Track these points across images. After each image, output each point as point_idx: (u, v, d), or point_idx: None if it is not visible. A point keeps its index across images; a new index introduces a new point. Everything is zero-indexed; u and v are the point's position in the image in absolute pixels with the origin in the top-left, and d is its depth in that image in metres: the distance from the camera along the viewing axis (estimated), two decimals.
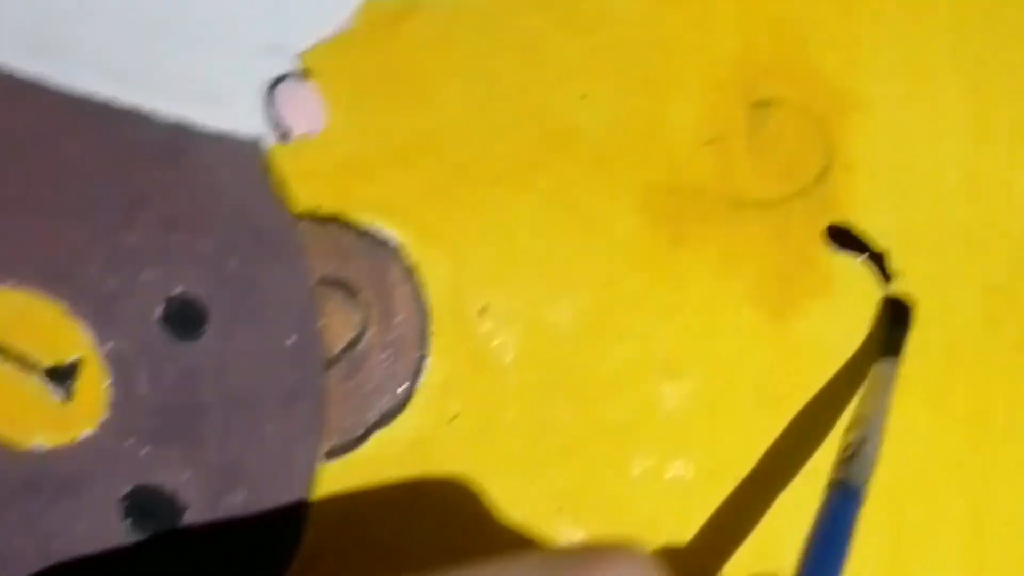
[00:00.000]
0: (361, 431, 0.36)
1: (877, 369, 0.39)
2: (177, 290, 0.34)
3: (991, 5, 0.45)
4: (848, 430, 0.37)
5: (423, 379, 0.37)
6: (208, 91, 0.38)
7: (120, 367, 0.34)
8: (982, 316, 0.42)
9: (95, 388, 0.34)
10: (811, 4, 0.43)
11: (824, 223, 0.42)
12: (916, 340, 0.41)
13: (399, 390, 0.37)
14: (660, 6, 0.42)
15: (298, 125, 0.38)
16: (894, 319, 0.41)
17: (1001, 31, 0.44)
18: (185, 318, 0.35)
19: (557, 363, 0.38)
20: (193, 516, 0.34)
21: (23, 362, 0.33)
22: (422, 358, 0.37)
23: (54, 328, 0.34)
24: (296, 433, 0.35)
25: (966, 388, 0.42)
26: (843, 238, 0.41)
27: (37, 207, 0.34)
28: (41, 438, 0.33)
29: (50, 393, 0.33)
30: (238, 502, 0.34)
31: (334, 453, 0.35)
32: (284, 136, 0.38)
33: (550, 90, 0.40)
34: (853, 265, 0.42)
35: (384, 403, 0.36)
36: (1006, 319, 0.42)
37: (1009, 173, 0.44)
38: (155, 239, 0.34)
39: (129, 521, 0.33)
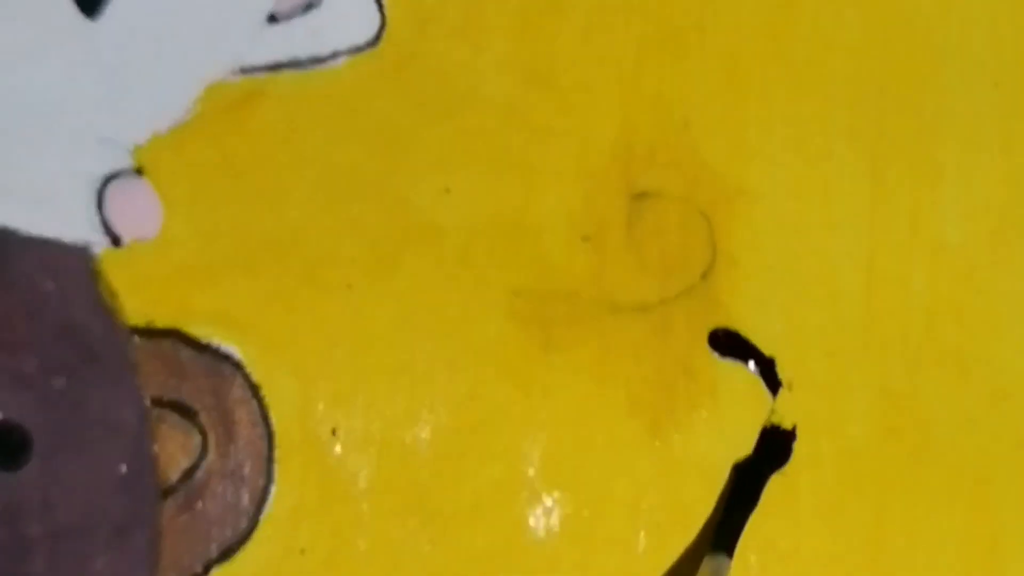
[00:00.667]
0: (200, 567, 0.46)
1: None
2: None
3: (891, 81, 0.58)
4: None
5: (268, 509, 0.48)
6: (30, 190, 0.48)
7: None
8: (879, 424, 0.55)
9: None
10: (694, 82, 0.55)
11: (708, 326, 0.54)
12: (808, 451, 0.54)
13: (241, 522, 0.47)
14: (530, 87, 0.54)
15: (130, 228, 0.49)
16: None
17: (902, 110, 0.58)
18: (6, 446, 0.45)
19: (415, 488, 0.49)
20: None
21: None
22: (267, 486, 0.48)
23: None
24: (128, 569, 0.45)
25: (861, 503, 0.55)
26: (728, 343, 0.54)
27: None
28: None
29: None
30: None
31: None
32: (115, 241, 0.48)
33: (409, 183, 0.52)
34: (739, 373, 0.54)
35: (225, 536, 0.47)
36: (904, 427, 0.56)
37: (908, 266, 0.57)
38: None
39: None
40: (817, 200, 0.54)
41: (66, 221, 0.47)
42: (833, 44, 0.55)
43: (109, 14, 0.49)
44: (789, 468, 0.52)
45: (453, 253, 0.50)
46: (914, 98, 0.56)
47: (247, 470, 0.46)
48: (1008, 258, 0.55)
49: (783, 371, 0.53)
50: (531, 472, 0.49)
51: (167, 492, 0.45)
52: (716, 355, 0.51)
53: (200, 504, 0.46)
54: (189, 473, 0.45)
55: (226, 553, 0.45)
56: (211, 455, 0.46)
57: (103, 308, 0.46)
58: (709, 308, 0.52)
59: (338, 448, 0.47)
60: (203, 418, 0.46)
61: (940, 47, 0.57)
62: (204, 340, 0.46)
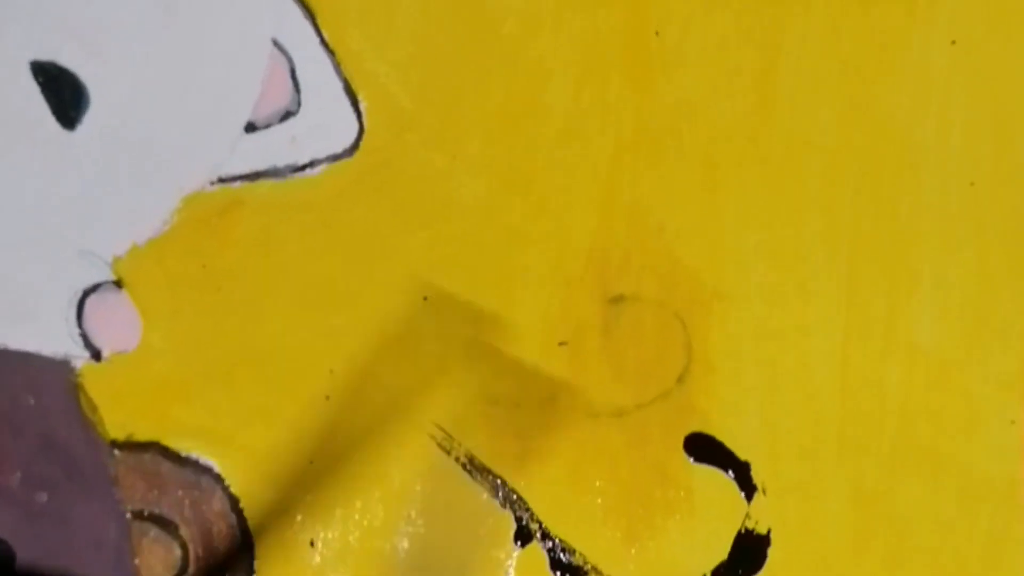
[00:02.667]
0: None
1: None
2: None
3: (867, 183, 0.64)
4: None
5: None
6: (10, 305, 0.54)
7: None
8: (854, 528, 0.61)
9: None
10: (670, 186, 0.61)
11: (684, 431, 0.60)
12: (783, 557, 0.60)
13: None
14: (507, 193, 0.60)
15: (110, 341, 0.54)
16: None
17: (878, 211, 0.64)
18: None
19: None
20: None
21: None
22: None
23: None
24: None
25: None
26: (703, 448, 0.60)
27: None
28: None
29: None
30: None
31: None
32: (95, 354, 0.54)
33: (388, 292, 0.57)
34: (715, 477, 0.60)
35: None
36: (878, 531, 0.61)
37: (883, 368, 0.63)
38: None
39: None
40: (793, 303, 0.59)
41: (46, 335, 0.52)
42: (809, 146, 0.61)
43: (86, 125, 0.54)
44: (764, 574, 0.57)
45: (432, 363, 0.55)
46: (890, 199, 0.61)
47: None
48: (982, 360, 0.61)
49: (758, 475, 0.58)
50: None
51: None
52: (691, 460, 0.57)
53: None
54: None
55: None
56: (192, 568, 0.51)
57: (84, 422, 0.51)
58: (685, 413, 0.58)
59: (317, 559, 0.52)
60: (183, 531, 0.51)
61: (917, 147, 0.62)
62: (184, 453, 0.52)
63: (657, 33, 0.58)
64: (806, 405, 0.59)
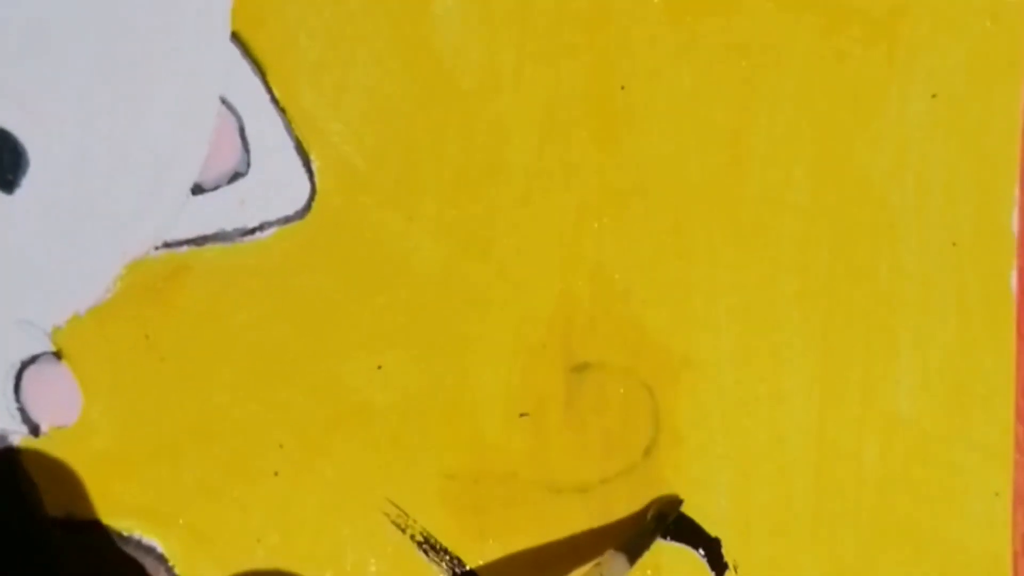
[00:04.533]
0: None
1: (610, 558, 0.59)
2: None
3: (843, 244, 0.67)
4: None
5: None
6: None
7: None
8: None
9: None
10: (636, 249, 0.64)
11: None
12: None
13: None
14: (464, 258, 0.62)
15: (49, 416, 0.56)
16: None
17: (854, 274, 0.66)
18: None
19: None
20: None
21: None
22: None
23: None
24: None
25: None
26: (671, 525, 0.62)
27: None
28: None
29: None
30: None
31: None
32: (33, 429, 0.56)
33: (340, 361, 0.60)
34: (683, 555, 0.63)
35: None
36: None
37: (860, 440, 0.65)
38: None
39: None
40: (765, 371, 0.62)
41: None
42: (782, 206, 0.63)
43: (25, 188, 0.56)
44: None
45: (384, 435, 0.58)
46: (867, 261, 0.64)
47: None
48: (964, 430, 0.63)
49: (729, 552, 0.61)
50: None
51: None
52: (659, 537, 0.59)
53: None
54: None
55: None
56: None
57: (22, 500, 0.53)
58: (651, 488, 0.61)
59: None
60: None
61: (895, 206, 0.65)
62: (126, 533, 0.54)
63: (623, 87, 0.60)
64: (779, 478, 0.61)
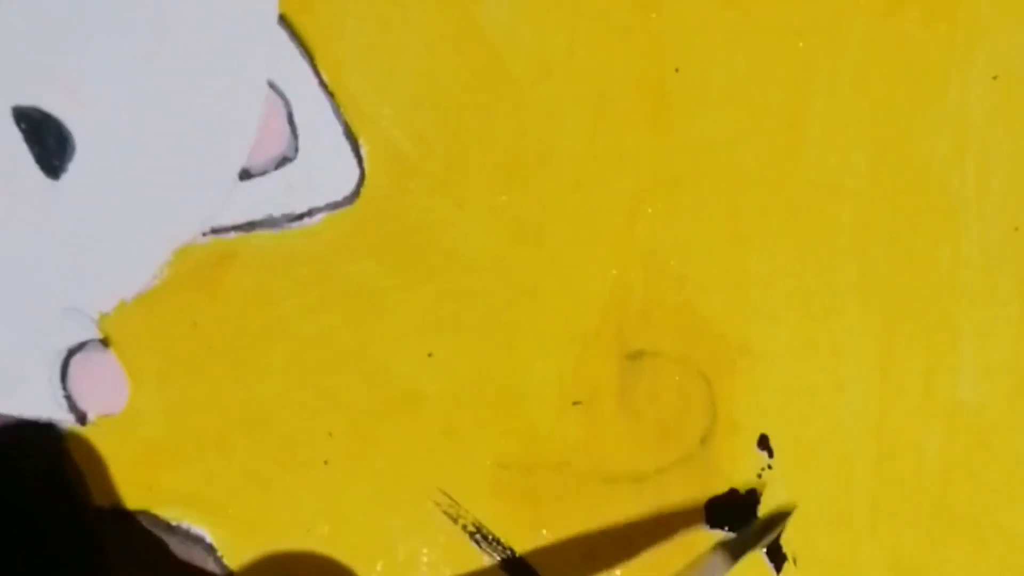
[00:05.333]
0: None
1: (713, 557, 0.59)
2: None
3: (903, 231, 0.66)
4: None
5: None
6: None
7: None
8: None
9: None
10: (691, 235, 0.63)
11: (707, 496, 0.62)
12: None
13: None
14: (515, 245, 0.62)
15: (96, 404, 0.56)
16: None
17: (915, 261, 0.66)
18: None
19: None
20: None
21: None
22: None
23: None
24: None
25: None
26: (728, 517, 0.62)
27: None
28: None
29: None
30: None
31: None
32: (81, 418, 0.56)
33: (390, 349, 0.60)
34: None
35: None
36: None
37: (921, 431, 0.65)
38: None
39: None
40: (824, 360, 0.61)
41: (29, 398, 0.54)
42: (840, 192, 0.63)
43: (71, 174, 0.56)
44: None
45: (435, 423, 0.58)
46: (928, 248, 0.63)
47: None
48: None
49: (788, 545, 0.60)
50: None
51: None
52: (715, 530, 0.59)
53: None
54: None
55: None
56: None
57: (70, 489, 0.53)
58: (707, 478, 0.60)
59: None
60: None
61: (956, 191, 0.64)
62: (174, 522, 0.54)
63: (677, 71, 0.60)
64: (839, 468, 0.61)
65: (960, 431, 0.61)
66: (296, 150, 0.57)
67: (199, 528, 0.51)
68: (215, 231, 0.55)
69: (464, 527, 0.58)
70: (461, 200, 0.59)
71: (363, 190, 0.58)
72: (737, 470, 0.61)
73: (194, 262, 0.54)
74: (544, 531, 0.57)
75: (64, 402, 0.51)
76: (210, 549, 0.51)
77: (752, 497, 0.59)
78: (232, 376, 0.53)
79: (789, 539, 0.60)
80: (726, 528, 0.60)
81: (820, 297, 0.61)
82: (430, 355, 0.57)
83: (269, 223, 0.56)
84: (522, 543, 0.56)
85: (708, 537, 0.60)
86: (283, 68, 0.57)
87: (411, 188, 0.58)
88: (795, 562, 0.60)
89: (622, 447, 0.59)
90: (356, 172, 0.58)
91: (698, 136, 0.60)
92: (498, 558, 0.57)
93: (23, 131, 0.54)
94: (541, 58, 0.59)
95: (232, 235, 0.56)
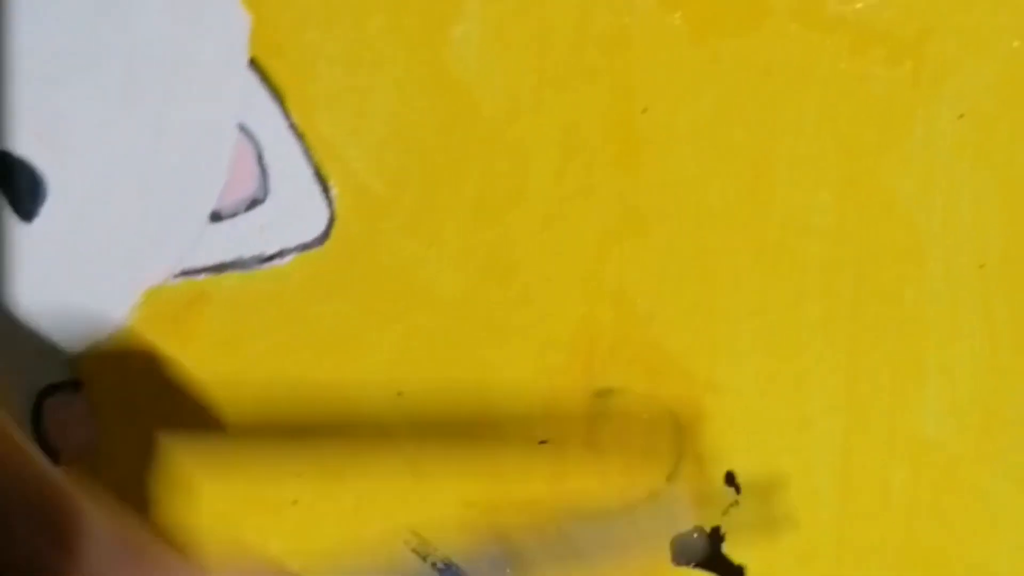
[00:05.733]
0: None
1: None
2: None
3: (869, 268, 0.67)
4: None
5: None
6: None
7: None
8: None
9: None
10: (659, 273, 0.65)
11: (672, 534, 0.63)
12: None
13: None
14: (484, 285, 0.63)
15: (68, 445, 0.58)
16: None
17: (881, 298, 0.67)
18: None
19: None
20: None
21: None
22: None
23: None
24: None
25: None
26: (693, 553, 0.63)
27: None
28: None
29: None
30: None
31: None
32: (54, 457, 0.57)
33: (359, 389, 0.61)
34: None
35: None
36: None
37: (887, 467, 0.66)
38: None
39: None
40: (790, 396, 0.63)
41: None
42: (806, 229, 0.64)
43: (44, 217, 0.57)
44: None
45: (404, 462, 0.59)
46: (893, 285, 0.64)
47: None
48: (994, 454, 0.64)
49: None
50: None
51: None
52: (682, 564, 0.60)
53: None
54: None
55: None
56: None
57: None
58: (675, 514, 0.61)
59: None
60: None
61: (922, 228, 0.65)
62: None
63: (644, 111, 0.61)
64: (804, 504, 0.62)
65: (925, 467, 0.62)
66: (266, 192, 0.58)
67: None
68: (185, 273, 0.56)
69: (433, 564, 0.59)
70: (430, 240, 0.60)
71: (333, 231, 0.59)
72: (704, 506, 0.61)
73: (165, 303, 0.55)
74: (508, 571, 0.58)
75: (36, 443, 0.51)
76: None
77: (716, 535, 0.60)
78: (201, 417, 0.54)
79: (754, 574, 0.61)
80: (692, 564, 0.61)
81: (786, 334, 0.62)
82: (399, 394, 0.58)
83: (239, 264, 0.57)
84: None
85: (676, 571, 0.60)
86: (253, 111, 0.58)
87: (381, 229, 0.59)
88: None
89: (589, 485, 0.60)
90: (326, 213, 0.59)
91: (666, 175, 0.61)
92: None
93: None
94: (510, 99, 0.60)
95: (202, 276, 0.57)
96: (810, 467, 0.63)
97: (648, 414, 0.62)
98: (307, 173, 0.59)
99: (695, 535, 0.62)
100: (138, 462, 0.53)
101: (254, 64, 0.58)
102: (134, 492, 0.53)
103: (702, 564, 0.62)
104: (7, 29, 0.56)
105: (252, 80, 0.59)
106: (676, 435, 0.62)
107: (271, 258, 0.58)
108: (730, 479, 0.61)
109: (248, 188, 0.58)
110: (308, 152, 0.59)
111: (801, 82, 0.61)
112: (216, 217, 0.57)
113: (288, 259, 0.58)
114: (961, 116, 0.61)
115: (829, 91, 0.61)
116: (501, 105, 0.61)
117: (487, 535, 0.59)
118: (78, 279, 0.55)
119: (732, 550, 0.62)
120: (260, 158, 0.58)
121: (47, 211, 0.55)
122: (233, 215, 0.57)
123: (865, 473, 0.63)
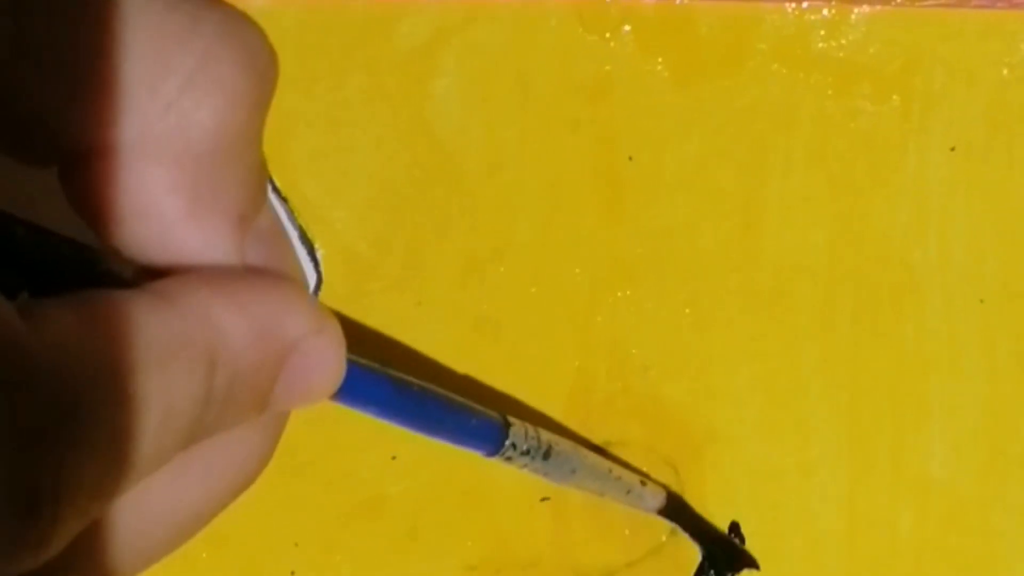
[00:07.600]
0: None
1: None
2: None
3: (866, 308, 0.69)
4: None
5: None
6: None
7: None
8: None
9: None
10: (652, 323, 0.66)
11: None
12: None
13: None
14: (475, 341, 0.65)
15: None
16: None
17: (879, 338, 0.68)
18: None
19: None
20: None
21: None
22: None
23: None
24: None
25: None
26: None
27: None
28: None
29: None
30: None
31: None
32: None
33: (353, 453, 0.62)
34: None
35: None
36: None
37: (892, 510, 0.67)
38: None
39: None
40: (791, 442, 0.64)
41: None
42: (800, 271, 0.66)
43: None
44: None
45: (401, 527, 0.60)
46: (892, 324, 0.66)
47: None
48: (1001, 494, 0.65)
49: None
50: None
51: None
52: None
53: None
54: None
55: None
56: None
57: None
58: (679, 568, 0.63)
59: None
60: None
61: (918, 265, 0.67)
62: None
63: (630, 159, 0.63)
64: (810, 552, 0.64)
65: (932, 508, 0.63)
66: None
67: None
68: None
69: None
70: (419, 298, 0.61)
71: (321, 293, 0.60)
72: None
73: None
74: None
75: None
76: None
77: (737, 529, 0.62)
78: None
79: None
80: None
81: (784, 379, 0.63)
82: (394, 458, 0.59)
83: None
84: None
85: None
86: None
87: (369, 289, 0.61)
88: None
89: (592, 542, 0.62)
90: (314, 276, 0.60)
91: (654, 223, 0.63)
92: None
93: None
94: (492, 152, 0.62)
95: None
96: (815, 513, 0.64)
97: (647, 466, 0.63)
98: (293, 237, 0.60)
99: None
100: None
101: None
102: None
103: None
104: None
105: None
106: (677, 487, 0.63)
107: None
108: (734, 529, 0.62)
109: None
110: (292, 216, 0.61)
111: (788, 122, 0.63)
112: None
113: None
114: (953, 149, 0.62)
115: (817, 130, 0.63)
116: (483, 160, 0.62)
117: None
118: None
119: None
120: None
121: None
122: None
123: (871, 517, 0.64)
